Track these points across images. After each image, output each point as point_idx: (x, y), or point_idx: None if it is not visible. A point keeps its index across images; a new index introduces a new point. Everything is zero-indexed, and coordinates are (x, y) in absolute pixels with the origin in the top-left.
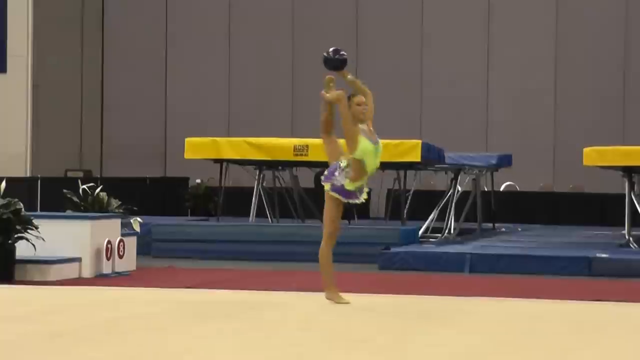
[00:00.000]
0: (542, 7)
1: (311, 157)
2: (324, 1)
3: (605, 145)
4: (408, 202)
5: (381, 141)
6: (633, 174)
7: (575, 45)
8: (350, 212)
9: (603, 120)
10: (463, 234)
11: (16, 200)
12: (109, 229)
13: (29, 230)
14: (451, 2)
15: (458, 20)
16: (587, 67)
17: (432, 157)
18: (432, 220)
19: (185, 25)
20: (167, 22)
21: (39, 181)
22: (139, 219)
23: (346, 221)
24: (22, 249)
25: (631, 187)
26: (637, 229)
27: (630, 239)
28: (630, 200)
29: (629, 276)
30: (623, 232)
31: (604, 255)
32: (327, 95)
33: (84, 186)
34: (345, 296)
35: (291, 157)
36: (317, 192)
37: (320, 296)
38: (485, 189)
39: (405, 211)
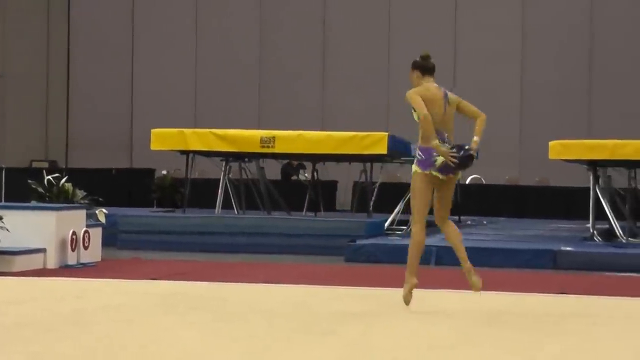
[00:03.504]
0: (508, 3)
1: (277, 148)
2: None
3: (570, 139)
4: (374, 194)
5: (349, 133)
6: (598, 168)
7: (541, 39)
8: (317, 204)
9: (568, 114)
10: (429, 227)
11: None
12: (74, 219)
13: None
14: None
15: (425, 13)
16: (553, 61)
17: (398, 149)
18: (398, 213)
19: (152, 17)
20: (134, 14)
21: (4, 171)
22: (104, 210)
23: (312, 213)
24: None
25: (596, 181)
26: (601, 222)
27: (595, 232)
28: (595, 193)
29: (593, 269)
30: (587, 225)
31: (568, 249)
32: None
33: (49, 177)
34: (318, 288)
35: (258, 149)
36: (283, 184)
37: (287, 288)
38: None
39: (371, 204)
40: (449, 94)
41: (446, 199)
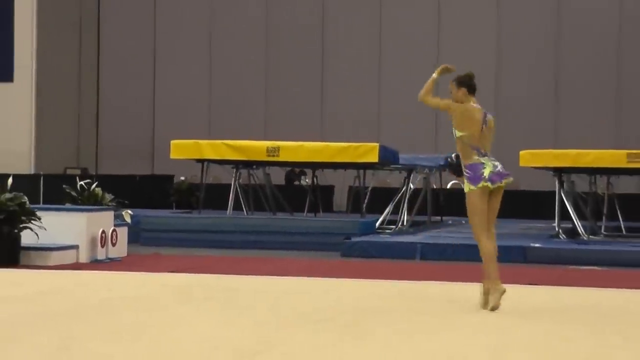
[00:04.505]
0: (485, 25)
1: (282, 157)
2: (294, 21)
3: (538, 149)
4: (367, 197)
5: (344, 144)
6: (562, 174)
7: (513, 59)
8: (316, 206)
9: (537, 126)
10: (414, 226)
11: (21, 194)
12: (103, 220)
13: (32, 221)
14: (406, 20)
15: (411, 37)
16: (523, 78)
17: (388, 158)
18: (387, 214)
19: (171, 40)
20: (156, 36)
21: (42, 178)
22: (129, 211)
23: (312, 214)
24: (27, 238)
25: (561, 185)
26: (565, 222)
27: (560, 230)
28: (560, 197)
29: (559, 263)
30: (554, 224)
31: (537, 245)
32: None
33: (81, 182)
34: (317, 280)
35: (264, 158)
36: (287, 189)
37: (290, 280)
38: (434, 187)
39: (364, 205)
40: (488, 116)
41: (493, 211)
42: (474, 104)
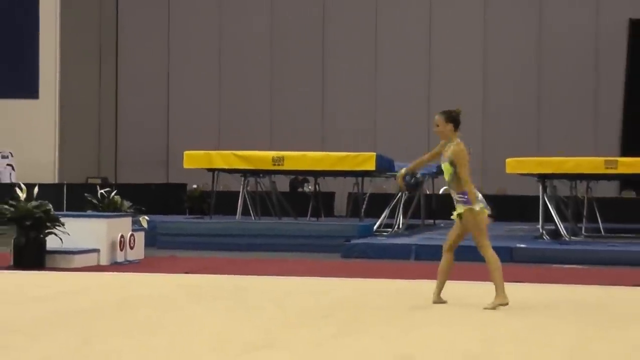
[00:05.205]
0: (472, 42)
1: (286, 166)
2: (297, 40)
3: (523, 156)
4: (365, 202)
5: (343, 153)
6: (546, 180)
7: (499, 73)
8: (318, 211)
9: (522, 135)
10: (409, 229)
11: (46, 202)
12: (122, 225)
13: (56, 227)
14: (399, 43)
15: (404, 58)
16: (509, 91)
17: (384, 166)
18: (384, 218)
19: (183, 57)
20: (169, 54)
21: (65, 187)
22: (146, 217)
23: (314, 218)
24: (52, 242)
25: (544, 190)
26: (549, 224)
27: (544, 232)
28: (544, 201)
29: (544, 262)
30: (538, 226)
31: (523, 245)
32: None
33: (102, 190)
34: (319, 280)
35: (270, 167)
36: (291, 195)
37: (295, 279)
38: (428, 192)
39: (362, 210)
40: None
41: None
42: (459, 140)
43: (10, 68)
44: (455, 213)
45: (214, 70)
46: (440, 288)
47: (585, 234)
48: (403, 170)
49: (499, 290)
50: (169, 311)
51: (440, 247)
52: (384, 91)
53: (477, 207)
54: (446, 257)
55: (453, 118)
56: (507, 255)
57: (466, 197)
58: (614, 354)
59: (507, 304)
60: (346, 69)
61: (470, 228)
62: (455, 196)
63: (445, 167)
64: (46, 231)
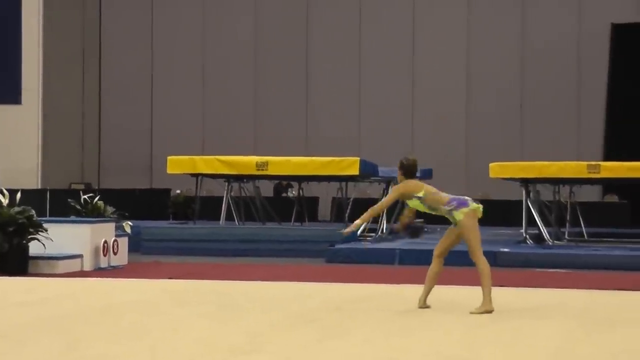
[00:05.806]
0: (455, 48)
1: (270, 171)
2: (280, 47)
3: (506, 161)
4: (349, 207)
5: (327, 158)
6: (529, 184)
7: (482, 78)
8: (303, 216)
9: (505, 140)
10: (393, 233)
11: (29, 208)
12: (106, 230)
13: (39, 232)
14: (382, 51)
15: (387, 66)
16: (492, 97)
17: (368, 170)
18: (368, 222)
19: (167, 63)
20: (153, 60)
21: (48, 192)
22: (129, 222)
23: (298, 223)
24: (35, 248)
25: (527, 195)
26: (532, 228)
27: (527, 236)
28: (527, 205)
29: (527, 266)
30: (521, 231)
31: (506, 250)
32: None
33: (85, 196)
34: (304, 284)
35: (254, 172)
36: (275, 200)
37: (279, 284)
38: None
39: (346, 215)
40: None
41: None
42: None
43: None
44: (456, 219)
45: (198, 75)
46: (427, 294)
47: (568, 238)
48: (359, 221)
49: (487, 297)
50: (154, 316)
51: (425, 251)
52: (368, 96)
53: (458, 217)
54: (436, 262)
55: (402, 166)
56: (490, 259)
57: (455, 202)
58: (598, 357)
59: (492, 311)
60: (330, 74)
61: (466, 233)
62: (444, 211)
63: (414, 204)
64: (29, 237)
